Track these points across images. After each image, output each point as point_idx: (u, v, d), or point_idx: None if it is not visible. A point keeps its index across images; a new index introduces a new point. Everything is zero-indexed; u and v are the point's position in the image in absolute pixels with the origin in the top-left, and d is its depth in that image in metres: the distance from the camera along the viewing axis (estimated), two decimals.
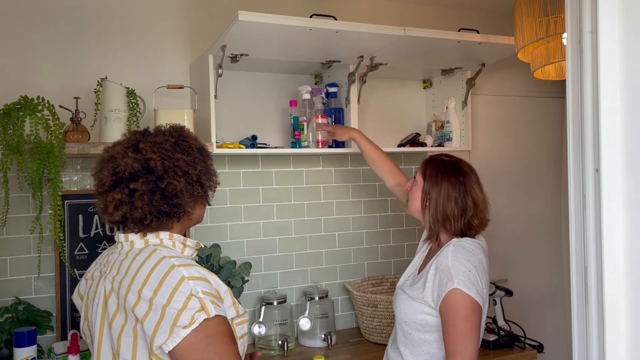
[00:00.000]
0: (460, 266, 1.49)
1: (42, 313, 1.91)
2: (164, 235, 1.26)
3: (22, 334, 1.63)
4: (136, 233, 1.25)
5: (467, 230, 1.59)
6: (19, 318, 1.85)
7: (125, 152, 1.23)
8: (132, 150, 1.23)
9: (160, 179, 1.22)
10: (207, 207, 1.37)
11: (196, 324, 1.12)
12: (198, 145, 1.31)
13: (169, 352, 1.13)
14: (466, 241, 1.57)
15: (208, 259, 2.21)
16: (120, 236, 1.27)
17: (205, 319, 1.13)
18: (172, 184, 1.22)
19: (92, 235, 2.05)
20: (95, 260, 1.37)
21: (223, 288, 1.23)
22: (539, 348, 2.17)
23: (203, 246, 1.41)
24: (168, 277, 1.15)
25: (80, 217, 2.04)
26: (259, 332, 2.15)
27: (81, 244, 2.04)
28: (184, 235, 1.34)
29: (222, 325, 1.15)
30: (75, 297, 1.37)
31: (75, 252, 2.03)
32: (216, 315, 1.14)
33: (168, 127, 1.31)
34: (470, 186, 1.60)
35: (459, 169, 1.62)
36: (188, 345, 1.12)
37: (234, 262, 2.25)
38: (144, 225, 1.22)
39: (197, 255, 2.20)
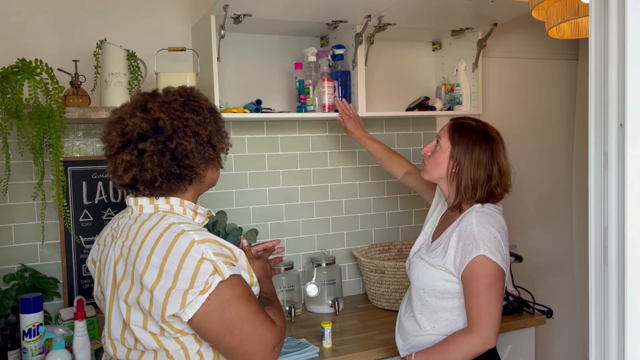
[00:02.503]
0: (486, 232, 1.46)
1: (49, 280, 1.91)
2: (174, 201, 1.22)
3: (28, 300, 1.62)
4: (147, 196, 1.22)
5: (490, 197, 1.57)
6: (25, 285, 1.85)
7: (134, 112, 1.19)
8: (140, 110, 1.19)
9: (169, 139, 1.18)
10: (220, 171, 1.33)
11: (212, 289, 1.09)
12: (208, 105, 1.26)
13: (188, 320, 1.11)
14: (488, 207, 1.55)
15: (214, 225, 2.19)
16: (130, 200, 1.24)
17: (221, 282, 1.10)
18: (181, 144, 1.18)
19: (96, 202, 2.03)
20: (108, 224, 1.35)
21: (237, 250, 1.20)
22: (548, 313, 2.15)
23: (214, 214, 1.37)
24: (177, 243, 1.11)
25: (84, 183, 2.01)
26: None
27: (85, 210, 2.02)
28: (197, 201, 1.31)
29: (236, 288, 1.12)
30: (89, 263, 1.35)
31: (80, 219, 2.01)
32: (231, 276, 1.12)
33: (177, 87, 1.26)
34: (497, 153, 1.57)
35: (487, 134, 1.58)
36: (204, 312, 1.09)
37: (240, 228, 2.23)
38: (154, 187, 1.19)
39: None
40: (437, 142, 1.62)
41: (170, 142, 1.18)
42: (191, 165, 1.20)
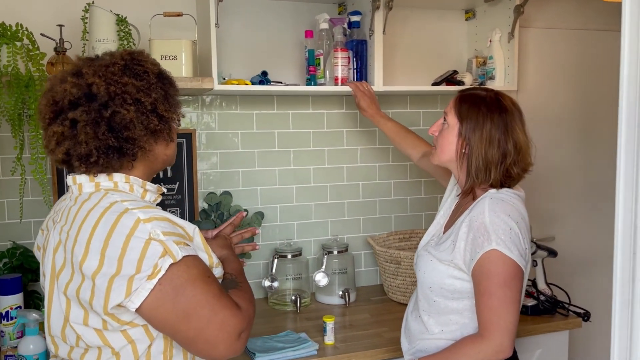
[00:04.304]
0: (500, 223, 1.25)
1: None
2: (118, 177, 1.08)
3: (5, 281, 1.53)
4: (87, 174, 1.07)
5: (506, 179, 1.34)
6: (13, 263, 1.76)
7: (65, 77, 1.05)
8: (73, 75, 1.05)
9: (104, 106, 1.03)
10: (174, 144, 1.17)
11: (162, 272, 0.96)
12: (156, 70, 1.10)
13: (136, 309, 0.98)
14: (505, 192, 1.33)
15: (218, 207, 2.05)
16: (68, 179, 1.11)
17: (172, 264, 0.97)
18: (119, 112, 1.03)
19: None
20: (53, 207, 1.22)
21: (190, 227, 1.06)
22: (585, 316, 1.90)
23: (165, 191, 1.23)
24: (120, 223, 0.98)
25: None
26: (270, 286, 1.99)
27: None
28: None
29: (191, 269, 0.99)
30: (35, 250, 1.24)
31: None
32: (184, 257, 0.98)
33: (121, 50, 1.12)
34: (512, 126, 1.33)
35: (500, 104, 1.35)
36: (154, 299, 0.96)
37: (246, 211, 2.07)
38: (90, 163, 1.04)
39: (206, 203, 2.05)
40: (445, 119, 1.40)
41: (105, 110, 1.03)
42: (132, 137, 1.05)
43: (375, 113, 1.89)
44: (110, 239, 0.97)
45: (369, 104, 1.89)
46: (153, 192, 1.13)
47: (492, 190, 1.33)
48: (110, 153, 1.04)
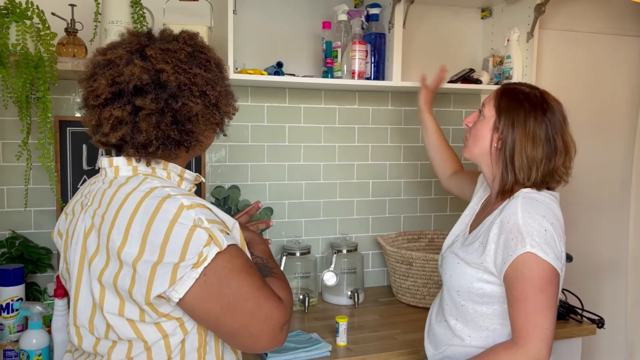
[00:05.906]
0: (534, 224, 1.19)
1: (40, 250, 1.75)
2: (156, 163, 1.03)
3: (7, 272, 1.46)
4: (135, 160, 1.02)
5: (550, 182, 1.28)
6: (12, 254, 1.68)
7: (131, 58, 0.97)
8: (139, 56, 0.98)
9: (173, 97, 0.98)
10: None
11: (208, 261, 0.91)
12: (217, 59, 1.06)
13: (179, 300, 0.93)
14: (538, 192, 1.27)
15: (225, 201, 1.98)
16: (103, 161, 1.04)
17: (218, 253, 0.92)
18: (187, 105, 0.98)
19: (97, 167, 1.84)
20: (78, 190, 1.15)
21: (230, 221, 1.01)
22: (599, 323, 1.87)
23: (204, 180, 1.18)
24: (162, 208, 0.92)
25: (84, 147, 1.83)
26: None
27: (85, 176, 1.84)
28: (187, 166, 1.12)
29: (235, 259, 0.95)
30: (55, 235, 1.16)
31: (79, 186, 1.83)
32: (229, 246, 0.93)
33: (180, 32, 1.05)
34: (559, 125, 1.28)
35: (544, 103, 1.28)
36: (198, 289, 0.91)
37: None
38: (147, 153, 0.99)
39: (214, 197, 1.99)
40: (481, 111, 1.35)
41: (174, 101, 0.98)
42: (193, 130, 1.01)
43: (430, 107, 1.84)
44: (152, 224, 0.92)
45: (432, 98, 1.85)
46: (190, 180, 1.09)
47: (525, 190, 1.27)
48: (169, 144, 1.00)
